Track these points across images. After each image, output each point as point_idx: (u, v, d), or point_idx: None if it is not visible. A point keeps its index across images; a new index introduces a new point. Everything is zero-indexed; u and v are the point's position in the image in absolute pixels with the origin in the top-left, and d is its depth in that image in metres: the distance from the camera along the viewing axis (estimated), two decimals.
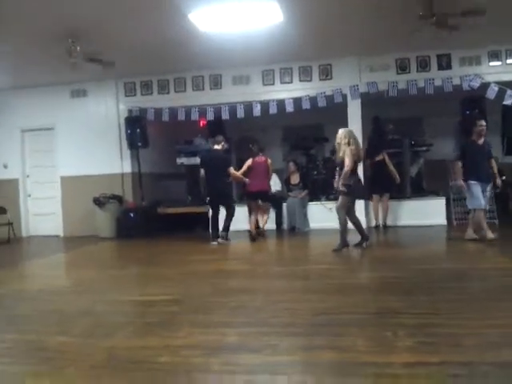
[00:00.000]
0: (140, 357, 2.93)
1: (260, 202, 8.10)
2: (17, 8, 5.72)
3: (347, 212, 6.37)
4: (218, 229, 7.77)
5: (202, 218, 9.50)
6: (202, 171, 7.76)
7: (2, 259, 7.68)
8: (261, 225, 8.15)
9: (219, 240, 7.60)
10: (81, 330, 3.54)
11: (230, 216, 7.76)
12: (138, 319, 3.84)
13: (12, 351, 3.19)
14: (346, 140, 6.24)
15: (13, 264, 7.00)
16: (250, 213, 8.11)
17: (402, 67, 8.76)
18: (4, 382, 2.76)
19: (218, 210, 7.85)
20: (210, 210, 8.01)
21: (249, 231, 8.07)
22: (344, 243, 6.33)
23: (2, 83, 9.33)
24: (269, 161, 7.87)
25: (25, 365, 2.94)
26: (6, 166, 10.17)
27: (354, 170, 6.30)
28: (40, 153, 10.19)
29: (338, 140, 6.35)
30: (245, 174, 7.90)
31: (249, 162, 7.83)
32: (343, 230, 6.32)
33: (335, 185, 6.45)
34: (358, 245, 6.50)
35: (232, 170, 7.74)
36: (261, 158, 7.76)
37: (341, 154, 6.28)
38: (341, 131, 6.41)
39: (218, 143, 7.74)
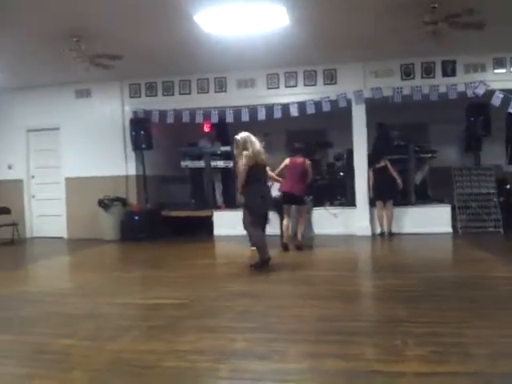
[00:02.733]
0: (146, 361, 2.91)
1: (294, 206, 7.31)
2: (21, 7, 5.68)
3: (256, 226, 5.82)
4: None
5: (205, 222, 9.49)
6: None
7: (6, 260, 7.68)
8: (298, 234, 7.33)
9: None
10: (86, 332, 3.52)
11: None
12: (144, 323, 3.81)
13: (17, 353, 3.18)
14: (241, 147, 5.73)
15: (17, 265, 6.98)
16: (283, 217, 7.36)
17: (407, 73, 8.75)
18: None
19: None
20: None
21: (281, 237, 7.40)
22: (264, 257, 5.71)
23: (7, 83, 9.31)
24: (307, 162, 7.24)
25: (30, 367, 2.92)
26: (10, 167, 10.14)
27: (258, 179, 5.74)
28: (45, 153, 10.14)
29: (237, 146, 5.85)
30: (282, 173, 7.27)
31: (286, 161, 7.29)
32: (258, 245, 5.77)
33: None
34: (256, 266, 5.74)
35: (267, 170, 6.93)
36: (299, 159, 7.22)
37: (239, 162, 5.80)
38: (238, 137, 5.84)
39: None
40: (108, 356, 3.01)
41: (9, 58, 7.73)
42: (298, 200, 7.21)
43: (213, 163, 9.81)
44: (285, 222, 7.27)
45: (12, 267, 6.70)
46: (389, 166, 8.61)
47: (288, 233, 7.22)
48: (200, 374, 2.73)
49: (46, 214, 10.13)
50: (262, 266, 5.70)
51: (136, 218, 9.25)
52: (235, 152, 6.01)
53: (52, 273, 6.50)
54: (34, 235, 10.20)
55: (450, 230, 8.60)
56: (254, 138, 5.84)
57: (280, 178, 7.20)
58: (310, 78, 9.09)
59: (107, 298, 4.61)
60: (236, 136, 5.89)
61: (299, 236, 7.27)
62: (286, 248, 7.13)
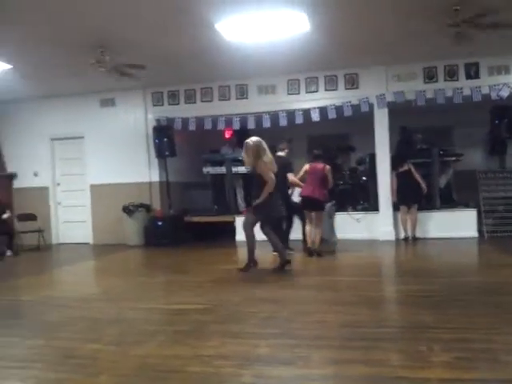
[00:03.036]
0: (171, 366, 2.93)
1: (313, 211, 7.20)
2: (47, 17, 5.84)
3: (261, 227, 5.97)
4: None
5: (228, 227, 9.53)
6: None
7: (32, 266, 7.84)
8: (316, 240, 7.20)
9: (288, 251, 6.76)
10: (112, 337, 3.57)
11: (287, 227, 7.42)
12: (169, 327, 3.85)
13: (44, 357, 3.22)
14: (255, 153, 5.77)
15: (43, 271, 7.13)
16: (305, 222, 7.41)
17: (430, 76, 8.66)
18: None
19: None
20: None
21: (303, 242, 7.56)
22: (251, 261, 5.99)
23: (33, 91, 9.56)
24: (327, 167, 7.15)
25: (57, 372, 2.96)
26: (36, 174, 10.38)
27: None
28: (70, 161, 10.37)
29: (247, 151, 5.87)
30: (303, 179, 7.28)
31: (306, 166, 7.25)
32: (250, 248, 5.96)
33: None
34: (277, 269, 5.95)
35: (291, 176, 7.18)
36: (319, 164, 7.16)
37: (255, 169, 5.86)
38: (250, 141, 5.85)
39: (282, 150, 7.34)
40: (134, 361, 3.04)
41: (35, 68, 7.91)
42: (317, 205, 7.13)
43: (234, 169, 9.85)
44: (307, 227, 7.25)
45: (37, 272, 6.84)
46: (412, 169, 8.52)
47: (311, 238, 7.19)
48: (224, 380, 2.74)
49: (72, 221, 10.33)
50: (245, 270, 5.94)
51: (159, 223, 9.36)
52: (244, 155, 6.02)
53: (77, 278, 6.60)
54: (60, 241, 10.40)
55: (475, 234, 8.46)
56: (265, 145, 5.89)
57: (301, 183, 7.23)
58: (331, 83, 9.07)
59: (132, 303, 4.66)
60: (247, 140, 5.91)
61: (317, 241, 7.16)
62: (309, 253, 7.10)
